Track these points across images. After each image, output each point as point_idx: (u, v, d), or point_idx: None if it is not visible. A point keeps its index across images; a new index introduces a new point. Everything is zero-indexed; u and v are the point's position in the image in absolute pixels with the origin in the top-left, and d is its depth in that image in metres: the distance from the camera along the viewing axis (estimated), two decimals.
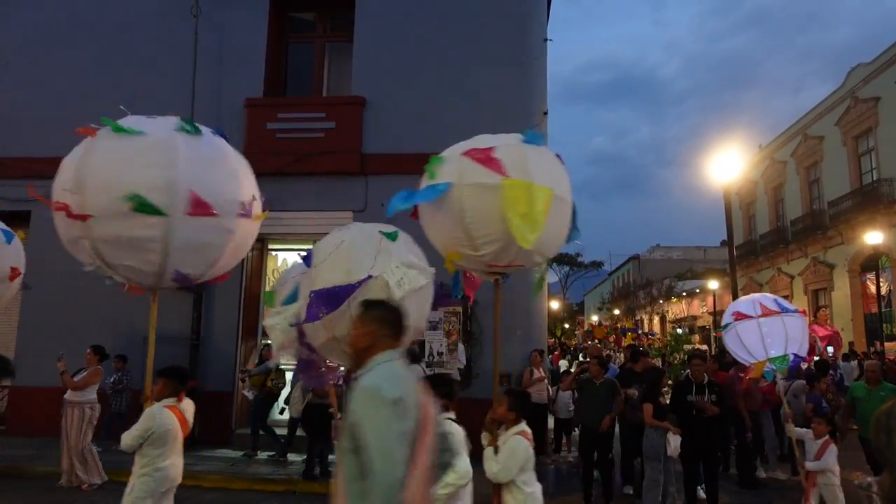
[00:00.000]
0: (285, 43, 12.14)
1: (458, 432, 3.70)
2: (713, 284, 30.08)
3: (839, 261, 22.63)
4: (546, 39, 11.52)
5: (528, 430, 4.08)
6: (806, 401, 8.30)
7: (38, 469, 8.17)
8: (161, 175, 3.70)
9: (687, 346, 21.54)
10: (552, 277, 46.59)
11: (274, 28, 11.69)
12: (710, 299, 31.79)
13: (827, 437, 6.20)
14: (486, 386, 10.02)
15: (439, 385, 3.75)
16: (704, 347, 21.93)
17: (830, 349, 10.84)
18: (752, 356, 6.42)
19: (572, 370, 10.73)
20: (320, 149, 10.74)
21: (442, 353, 10.26)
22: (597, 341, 18.95)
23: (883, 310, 19.19)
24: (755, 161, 29.26)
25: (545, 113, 11.19)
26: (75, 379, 7.78)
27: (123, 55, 11.45)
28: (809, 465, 6.12)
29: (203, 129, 4.13)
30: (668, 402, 7.21)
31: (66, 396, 7.76)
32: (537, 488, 4.00)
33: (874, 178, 20.83)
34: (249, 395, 9.42)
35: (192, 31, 10.97)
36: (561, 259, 53.39)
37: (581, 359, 16.42)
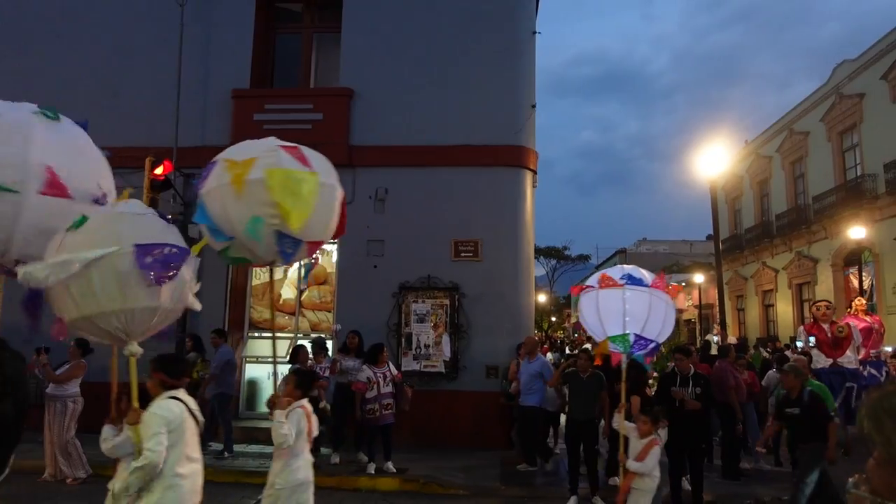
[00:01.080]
0: (273, 33, 12.03)
1: (162, 411, 3.64)
2: (699, 278, 30.30)
3: (823, 255, 22.89)
4: (535, 32, 11.51)
5: (309, 406, 4.66)
6: None
7: (22, 463, 8.07)
8: (14, 152, 3.55)
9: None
10: (539, 271, 46.70)
11: (261, 18, 11.59)
12: (695, 293, 32.05)
13: (653, 437, 5.63)
14: (472, 378, 10.06)
15: (166, 363, 4.00)
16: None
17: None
18: (594, 333, 5.78)
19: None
20: (308, 140, 10.48)
21: (429, 346, 10.27)
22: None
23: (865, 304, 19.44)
24: (741, 156, 29.46)
25: (533, 106, 11.20)
26: (58, 373, 7.70)
27: (109, 45, 11.31)
28: (630, 464, 5.57)
29: (63, 117, 3.98)
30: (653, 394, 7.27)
31: (48, 390, 7.68)
32: (306, 460, 4.54)
33: (858, 174, 21.06)
34: None
35: (178, 21, 10.83)
36: (548, 252, 53.54)
37: (568, 351, 16.47)
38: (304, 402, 4.66)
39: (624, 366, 5.65)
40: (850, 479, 0.83)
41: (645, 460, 5.49)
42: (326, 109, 10.90)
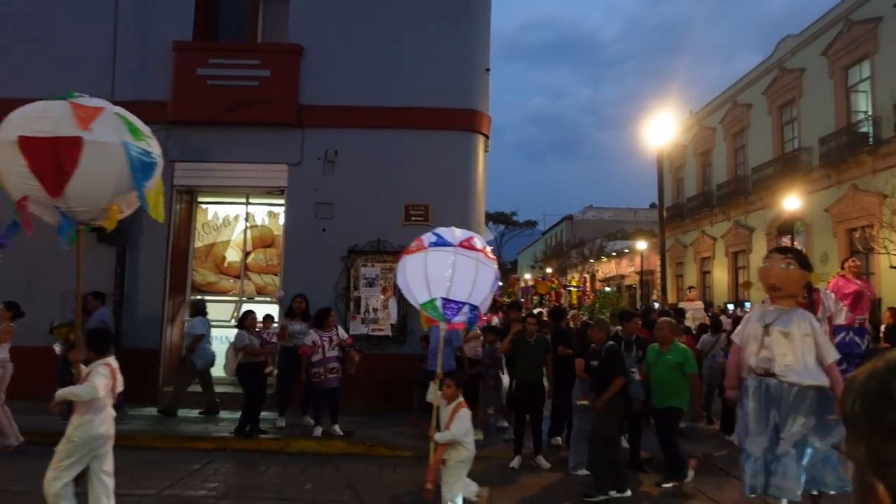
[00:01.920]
0: None
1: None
2: (641, 245, 31.17)
3: (759, 224, 23.84)
4: None
5: (114, 363, 4.76)
6: (725, 356, 8.79)
7: None
8: None
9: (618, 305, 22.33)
10: (488, 236, 47.01)
11: None
12: (637, 259, 33.00)
13: (460, 400, 5.18)
14: (419, 342, 10.09)
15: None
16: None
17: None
18: (412, 302, 5.44)
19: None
20: (254, 98, 10.28)
21: (377, 310, 10.24)
22: (538, 297, 19.21)
23: None
24: (686, 126, 30.13)
25: (487, 69, 11.08)
26: None
27: None
28: (437, 436, 5.03)
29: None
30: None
31: None
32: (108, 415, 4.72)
33: (795, 147, 21.87)
34: (57, 348, 8.81)
35: None
36: (497, 218, 53.91)
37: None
38: (110, 359, 4.75)
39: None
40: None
41: (451, 428, 5.00)
42: (274, 66, 10.49)
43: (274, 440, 7.95)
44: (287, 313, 9.00)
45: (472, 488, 5.25)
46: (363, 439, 8.00)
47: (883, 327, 12.07)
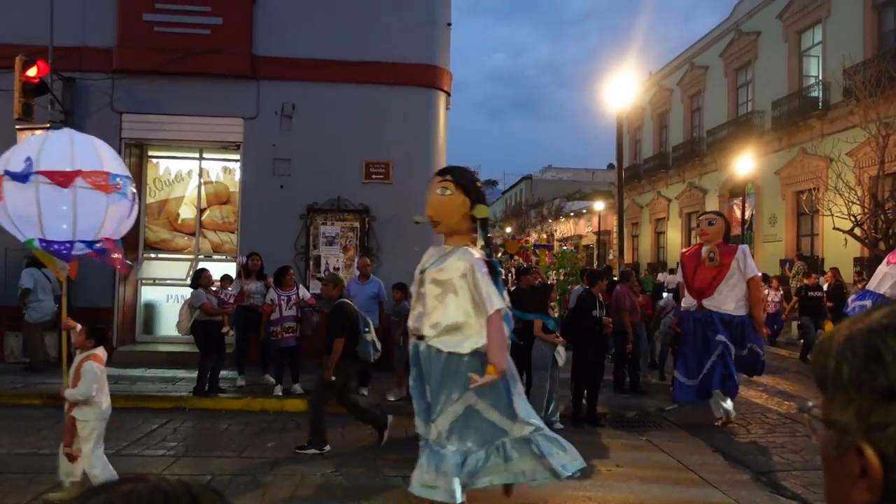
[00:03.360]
0: None
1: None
2: (599, 205, 31.61)
3: (712, 186, 24.41)
4: None
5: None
6: (674, 314, 9.08)
7: None
8: None
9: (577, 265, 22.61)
10: None
11: None
12: (594, 219, 33.51)
13: (91, 352, 4.51)
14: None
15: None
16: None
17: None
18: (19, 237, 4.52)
19: None
20: (206, 46, 9.82)
21: (338, 269, 10.14)
22: (506, 257, 19.17)
23: (745, 232, 21.11)
24: (644, 87, 30.33)
25: (449, 24, 10.83)
26: None
27: None
28: (66, 393, 4.46)
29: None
30: (556, 315, 7.61)
31: None
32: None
33: (749, 110, 22.31)
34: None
35: None
36: None
37: None
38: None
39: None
40: (809, 402, 0.81)
41: (78, 385, 4.43)
42: (226, 13, 10.01)
43: (234, 399, 7.89)
44: (242, 272, 8.81)
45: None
46: None
47: (825, 286, 12.61)
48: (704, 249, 7.32)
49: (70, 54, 9.53)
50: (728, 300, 7.08)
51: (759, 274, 7.66)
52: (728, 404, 7.26)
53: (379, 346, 6.50)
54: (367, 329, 6.30)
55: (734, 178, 20.47)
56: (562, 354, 7.07)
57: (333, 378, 5.97)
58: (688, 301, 7.51)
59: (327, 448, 5.97)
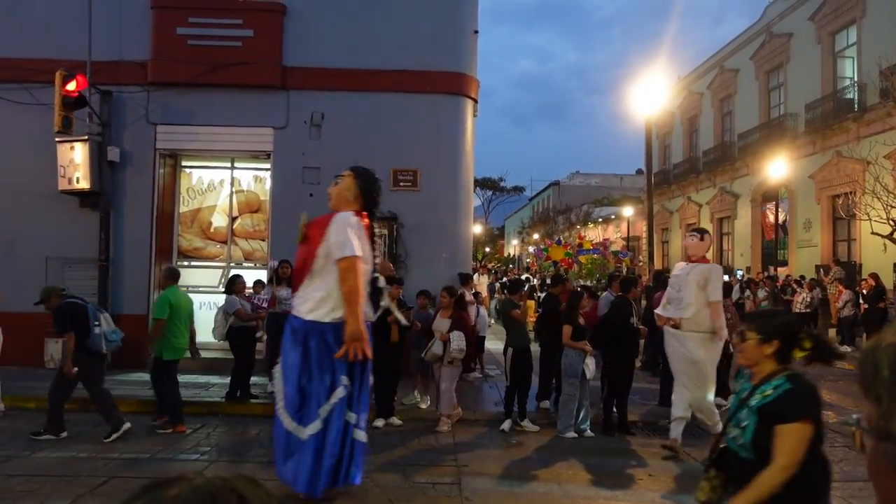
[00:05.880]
0: None
1: None
2: (628, 211, 31.30)
3: (744, 191, 24.00)
4: None
5: None
6: None
7: None
8: None
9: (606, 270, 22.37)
10: (475, 202, 46.94)
11: None
12: (623, 225, 33.16)
13: None
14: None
15: None
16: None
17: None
18: None
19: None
20: (237, 58, 10.02)
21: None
22: (550, 263, 18.25)
23: (779, 238, 20.68)
24: (673, 92, 30.01)
25: (476, 31, 10.88)
26: None
27: None
28: None
29: None
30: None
31: None
32: None
33: (781, 113, 21.90)
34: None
35: None
36: (484, 184, 53.69)
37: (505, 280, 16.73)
38: None
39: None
40: (854, 415, 0.77)
41: None
42: (257, 26, 10.20)
43: (265, 404, 7.97)
44: (273, 280, 8.94)
45: None
46: None
47: (864, 292, 12.28)
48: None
49: (107, 68, 9.80)
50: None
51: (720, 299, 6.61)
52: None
53: (117, 336, 6.75)
54: (97, 323, 6.56)
55: (767, 183, 20.09)
56: (591, 367, 7.00)
57: (75, 369, 6.35)
58: None
59: (64, 434, 6.41)
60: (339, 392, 4.64)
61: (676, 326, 6.51)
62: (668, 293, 6.80)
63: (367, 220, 5.05)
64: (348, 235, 4.59)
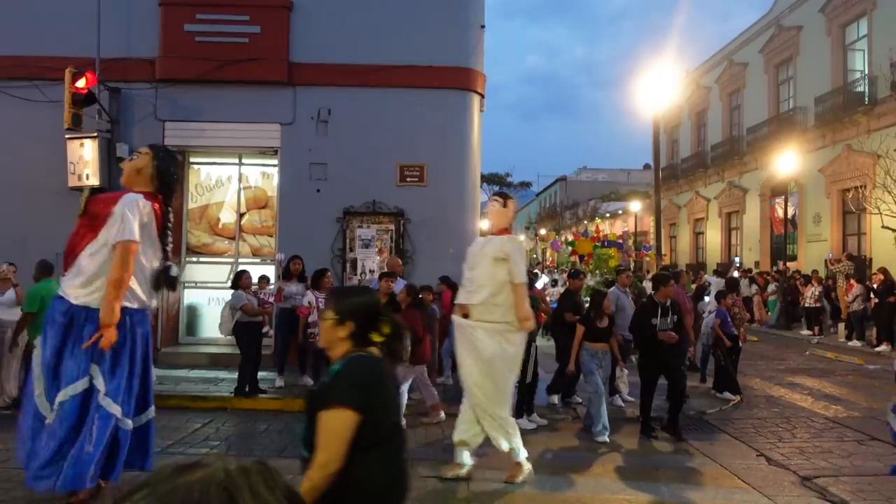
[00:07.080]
0: None
1: None
2: (635, 206, 31.18)
3: (752, 185, 23.86)
4: None
5: None
6: (716, 316, 8.90)
7: None
8: None
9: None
10: (482, 197, 46.90)
11: None
12: (631, 220, 33.05)
13: None
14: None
15: None
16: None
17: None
18: None
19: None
20: (244, 55, 10.05)
21: (374, 271, 10.24)
22: (576, 259, 17.40)
23: (788, 232, 20.56)
24: (681, 86, 29.84)
25: (482, 26, 10.85)
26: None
27: None
28: None
29: None
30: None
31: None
32: None
33: (790, 107, 21.74)
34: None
35: None
36: (491, 179, 53.65)
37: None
38: None
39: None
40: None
41: None
42: (264, 22, 10.22)
43: (274, 399, 8.04)
44: (283, 275, 8.99)
45: None
46: None
47: (875, 286, 12.20)
48: None
49: (116, 65, 9.85)
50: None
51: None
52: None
53: None
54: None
55: (776, 177, 19.96)
56: (625, 381, 6.93)
57: None
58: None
59: None
60: (82, 384, 4.28)
61: (466, 316, 5.16)
62: (464, 275, 5.37)
63: (158, 205, 4.68)
64: (130, 218, 4.32)
